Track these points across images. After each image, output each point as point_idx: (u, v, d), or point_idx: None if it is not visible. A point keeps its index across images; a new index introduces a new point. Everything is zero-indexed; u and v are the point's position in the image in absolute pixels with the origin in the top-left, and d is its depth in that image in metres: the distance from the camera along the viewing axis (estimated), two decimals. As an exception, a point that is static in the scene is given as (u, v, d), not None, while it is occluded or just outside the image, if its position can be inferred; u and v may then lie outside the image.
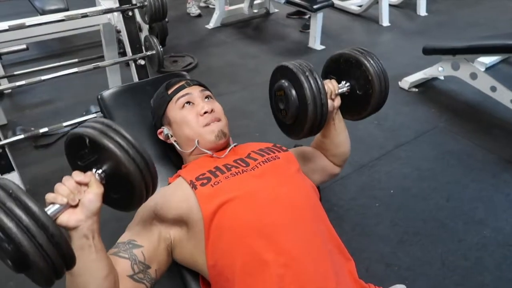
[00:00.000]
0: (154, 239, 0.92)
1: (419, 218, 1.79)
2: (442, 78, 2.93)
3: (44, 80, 1.89)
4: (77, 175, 0.72)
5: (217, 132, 1.09)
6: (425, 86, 2.90)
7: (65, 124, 1.98)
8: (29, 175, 2.02)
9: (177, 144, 1.14)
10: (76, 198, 0.70)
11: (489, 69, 3.02)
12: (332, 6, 3.60)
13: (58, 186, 0.71)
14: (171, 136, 1.15)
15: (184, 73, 1.53)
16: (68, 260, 0.63)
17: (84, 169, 0.75)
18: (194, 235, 0.91)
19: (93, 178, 0.73)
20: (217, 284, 0.90)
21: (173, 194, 0.97)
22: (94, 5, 2.69)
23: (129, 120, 1.32)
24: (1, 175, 1.83)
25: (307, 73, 0.96)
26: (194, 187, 0.94)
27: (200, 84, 1.21)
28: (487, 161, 2.14)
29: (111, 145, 0.71)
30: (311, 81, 0.95)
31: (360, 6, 4.31)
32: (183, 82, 1.17)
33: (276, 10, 4.49)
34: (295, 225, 0.89)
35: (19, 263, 0.59)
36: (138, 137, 1.27)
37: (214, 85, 1.24)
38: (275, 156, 1.06)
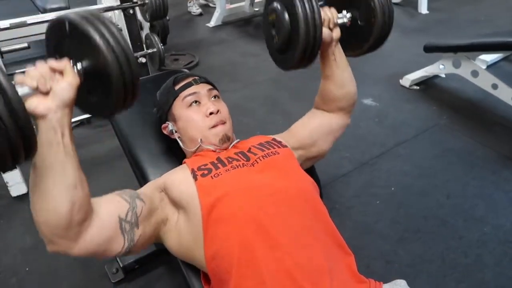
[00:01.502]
0: (154, 207, 0.93)
1: (419, 216, 1.80)
2: (443, 76, 2.93)
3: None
4: (51, 61, 0.69)
5: (221, 136, 1.09)
6: (426, 84, 2.90)
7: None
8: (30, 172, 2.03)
9: (180, 140, 1.16)
10: (47, 84, 0.66)
11: (490, 67, 3.01)
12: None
13: (29, 70, 0.66)
14: (175, 132, 1.16)
15: (185, 70, 1.54)
16: (26, 135, 0.55)
17: None
18: (193, 227, 0.92)
19: (68, 65, 0.69)
20: (216, 276, 0.90)
21: (178, 175, 1.00)
22: (95, 3, 2.70)
23: (131, 116, 1.32)
24: (3, 172, 1.84)
25: None
26: (195, 177, 0.96)
27: (208, 82, 1.20)
28: (487, 158, 2.14)
29: (90, 29, 0.66)
30: (305, 1, 0.91)
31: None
32: (190, 79, 1.17)
33: (277, 8, 4.48)
34: (292, 220, 0.90)
35: None
36: (141, 133, 1.29)
37: (215, 83, 1.25)
38: (275, 151, 1.07)
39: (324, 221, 0.97)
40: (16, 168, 0.60)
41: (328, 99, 1.16)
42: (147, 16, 1.96)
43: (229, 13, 4.17)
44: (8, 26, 1.71)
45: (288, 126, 1.26)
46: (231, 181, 0.95)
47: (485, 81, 2.47)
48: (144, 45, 2.12)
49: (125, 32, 2.03)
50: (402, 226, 1.75)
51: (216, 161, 1.01)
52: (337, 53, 1.08)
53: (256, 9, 4.37)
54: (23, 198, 1.91)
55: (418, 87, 2.86)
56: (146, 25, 2.88)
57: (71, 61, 0.70)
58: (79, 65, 0.70)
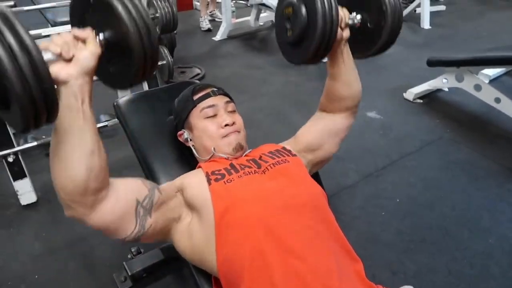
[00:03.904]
0: (170, 203, 0.96)
1: (424, 226, 1.81)
2: (446, 89, 2.96)
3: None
4: (75, 30, 0.71)
5: (234, 145, 1.12)
6: (430, 97, 2.94)
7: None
8: (40, 182, 2.05)
9: (194, 149, 1.19)
10: (70, 51, 0.68)
11: (493, 81, 3.05)
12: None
13: (54, 36, 0.69)
14: (190, 140, 1.19)
15: (197, 81, 1.58)
16: (49, 96, 0.57)
17: None
18: (205, 230, 0.94)
19: (91, 34, 0.71)
20: (227, 280, 0.92)
21: (194, 179, 1.03)
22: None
23: (145, 125, 1.36)
24: (14, 181, 1.87)
25: None
26: (209, 181, 0.99)
27: (225, 94, 1.24)
28: (491, 170, 2.16)
29: (113, 0, 0.67)
30: None
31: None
32: (209, 90, 1.20)
33: (282, 23, 4.56)
34: (302, 226, 0.93)
35: None
36: (155, 141, 1.32)
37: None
38: (285, 159, 1.10)
39: (333, 228, 1.00)
40: (38, 128, 0.61)
41: (334, 98, 1.18)
42: (157, 29, 2.01)
43: (235, 27, 4.25)
44: (24, 38, 1.75)
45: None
46: (243, 187, 0.98)
47: (488, 95, 2.50)
48: (154, 58, 2.17)
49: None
50: (407, 236, 1.76)
51: (229, 167, 1.04)
52: (345, 53, 1.10)
53: (261, 23, 4.45)
54: (33, 206, 1.93)
55: (421, 101, 2.90)
56: (154, 38, 2.94)
57: (94, 31, 0.72)
58: (101, 36, 0.72)
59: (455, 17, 4.71)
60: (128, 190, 0.86)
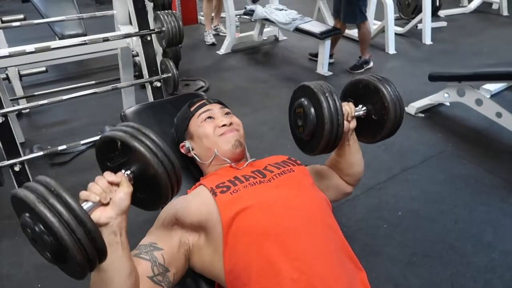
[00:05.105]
0: (174, 243, 0.96)
1: (427, 240, 1.81)
2: (447, 104, 2.99)
3: (64, 100, 1.97)
4: (109, 176, 0.78)
5: (233, 142, 1.16)
6: (431, 111, 2.96)
7: (82, 142, 2.05)
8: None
9: (197, 157, 1.21)
10: (107, 196, 0.75)
11: (494, 96, 3.07)
12: (339, 34, 3.71)
13: (91, 185, 0.76)
14: (192, 150, 1.22)
15: (202, 93, 1.61)
16: (101, 254, 0.67)
17: (113, 170, 0.79)
18: (213, 241, 0.95)
19: (124, 178, 0.78)
20: None
21: (194, 200, 1.02)
22: (113, 30, 2.81)
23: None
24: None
25: (327, 94, 1.01)
26: (214, 194, 1.00)
27: (220, 102, 1.30)
28: (494, 185, 2.17)
29: (141, 148, 0.75)
30: (330, 102, 1.00)
31: (367, 34, 4.43)
32: (204, 100, 1.28)
33: (285, 38, 4.63)
34: (309, 233, 0.94)
35: (58, 256, 0.64)
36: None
37: (225, 107, 1.32)
38: (290, 169, 1.12)
39: (338, 236, 1.01)
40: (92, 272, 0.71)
41: (337, 171, 1.26)
42: (164, 43, 2.04)
43: (239, 41, 4.31)
44: (33, 50, 1.79)
45: (296, 151, 1.30)
46: (249, 196, 0.99)
47: (490, 110, 2.53)
48: (159, 70, 2.20)
49: (142, 57, 2.11)
50: (410, 250, 1.76)
51: (233, 179, 1.06)
52: (351, 140, 1.17)
53: (265, 38, 4.51)
54: (37, 216, 1.94)
55: (423, 115, 2.92)
56: (159, 51, 2.99)
57: (123, 171, 0.79)
58: (129, 171, 0.80)
59: (457, 33, 4.76)
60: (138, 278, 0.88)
